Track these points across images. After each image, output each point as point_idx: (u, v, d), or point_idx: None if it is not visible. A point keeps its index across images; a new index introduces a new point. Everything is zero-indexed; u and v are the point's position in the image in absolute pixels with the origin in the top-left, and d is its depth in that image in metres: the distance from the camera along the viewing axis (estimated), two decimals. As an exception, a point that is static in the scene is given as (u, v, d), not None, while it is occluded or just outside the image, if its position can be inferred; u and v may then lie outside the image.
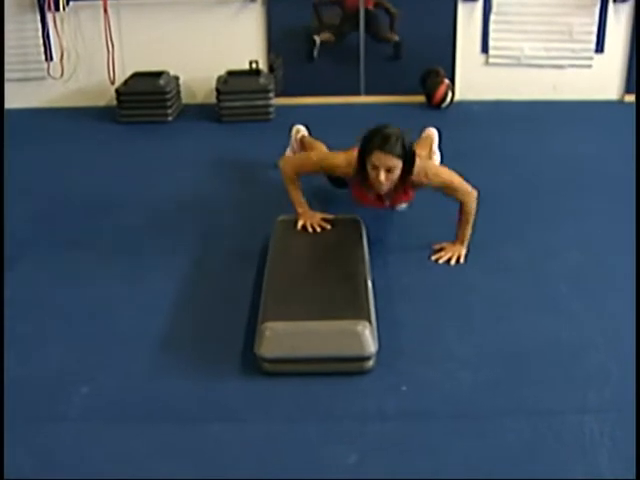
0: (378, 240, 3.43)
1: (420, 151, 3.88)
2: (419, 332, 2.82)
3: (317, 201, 3.69)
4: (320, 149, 4.04)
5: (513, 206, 3.94)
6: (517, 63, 5.88)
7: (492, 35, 5.81)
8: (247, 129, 5.32)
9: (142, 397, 2.50)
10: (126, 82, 5.65)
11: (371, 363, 2.56)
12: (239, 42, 5.83)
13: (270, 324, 2.57)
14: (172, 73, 5.77)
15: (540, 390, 2.46)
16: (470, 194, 3.36)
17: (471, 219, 3.39)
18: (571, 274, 3.22)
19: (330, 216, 3.46)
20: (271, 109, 5.56)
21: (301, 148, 4.26)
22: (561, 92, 5.92)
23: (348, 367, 2.56)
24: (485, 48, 5.86)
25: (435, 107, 5.76)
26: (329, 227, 3.39)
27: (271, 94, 5.56)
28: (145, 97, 5.54)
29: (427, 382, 2.53)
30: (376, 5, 5.90)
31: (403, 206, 3.59)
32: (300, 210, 3.47)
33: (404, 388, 2.49)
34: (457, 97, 5.83)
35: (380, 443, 2.26)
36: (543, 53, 5.84)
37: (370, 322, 2.59)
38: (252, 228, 3.70)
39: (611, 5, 5.64)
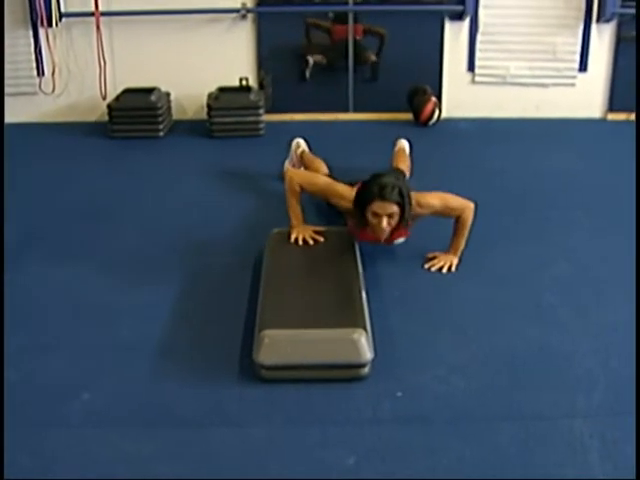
0: (370, 251, 3.49)
1: (401, 165, 4.01)
2: (413, 340, 2.88)
3: (312, 213, 3.76)
4: (320, 168, 4.16)
5: (500, 220, 4.02)
6: (503, 82, 5.98)
7: (478, 54, 5.91)
8: (238, 145, 5.39)
9: (143, 403, 2.54)
10: (118, 98, 5.70)
11: (367, 370, 2.62)
12: (230, 59, 5.90)
13: (268, 332, 2.63)
14: (163, 89, 5.83)
15: (531, 395, 2.54)
16: (467, 208, 3.44)
17: (466, 230, 3.47)
18: (559, 284, 3.31)
19: (322, 229, 3.52)
20: (261, 125, 5.63)
21: (301, 164, 4.37)
22: (545, 110, 6.02)
23: (345, 374, 2.62)
24: (471, 67, 5.96)
25: (422, 124, 5.85)
26: (321, 239, 3.44)
27: (261, 110, 5.63)
28: (136, 113, 5.59)
29: (421, 388, 2.59)
30: (364, 32, 6.01)
31: (401, 240, 3.62)
32: (295, 222, 3.51)
33: (399, 394, 2.55)
34: (444, 115, 5.92)
35: (377, 446, 2.32)
36: (528, 72, 5.94)
37: (366, 330, 2.66)
38: (245, 240, 3.76)
39: (594, 25, 5.76)
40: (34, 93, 5.99)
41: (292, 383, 2.62)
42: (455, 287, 3.29)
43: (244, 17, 5.82)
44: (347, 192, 3.44)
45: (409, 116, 5.93)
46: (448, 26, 5.87)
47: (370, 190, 3.22)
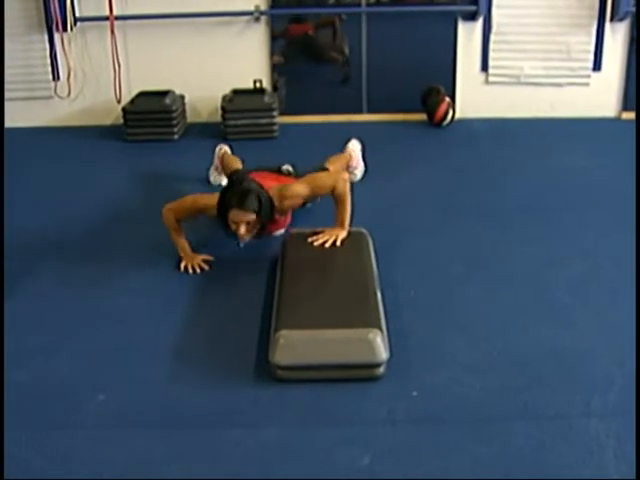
0: (385, 252, 3.49)
1: (328, 165, 4.02)
2: (427, 341, 2.89)
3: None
4: (233, 165, 4.25)
5: (514, 219, 4.03)
6: (516, 82, 5.97)
7: (492, 54, 5.91)
8: (252, 147, 5.37)
9: (157, 404, 2.56)
10: (132, 101, 5.75)
11: (382, 370, 2.63)
12: (243, 61, 5.93)
13: (284, 332, 2.64)
14: (178, 92, 5.87)
15: (546, 395, 2.53)
16: (339, 181, 3.50)
17: (346, 204, 3.50)
18: (573, 284, 3.30)
19: (210, 257, 3.58)
20: (275, 127, 5.65)
21: (221, 163, 4.48)
22: (559, 110, 6.01)
23: (360, 374, 2.63)
24: (485, 67, 5.96)
25: (436, 125, 5.85)
26: (207, 268, 3.51)
27: (275, 112, 5.65)
28: (151, 116, 5.63)
29: (436, 388, 2.60)
30: (317, 27, 6.06)
31: (281, 231, 3.71)
32: (182, 254, 3.58)
33: (415, 394, 2.56)
34: (458, 115, 5.91)
35: (392, 446, 2.32)
36: (542, 72, 5.94)
37: (381, 330, 2.67)
38: (260, 242, 3.76)
39: (608, 24, 5.75)
40: (50, 97, 6.04)
41: (307, 383, 2.63)
42: (469, 287, 3.30)
43: (257, 19, 5.85)
44: (212, 201, 3.45)
45: (423, 116, 5.93)
46: (461, 26, 5.87)
47: (229, 199, 3.31)
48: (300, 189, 3.54)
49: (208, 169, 4.61)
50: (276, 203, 3.43)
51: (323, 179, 3.60)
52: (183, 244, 3.60)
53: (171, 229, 3.60)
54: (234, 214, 3.30)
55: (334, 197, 3.51)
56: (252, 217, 3.31)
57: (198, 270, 3.50)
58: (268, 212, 3.37)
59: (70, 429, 2.45)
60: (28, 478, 2.21)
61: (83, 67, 5.97)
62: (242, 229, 3.32)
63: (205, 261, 3.56)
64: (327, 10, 6.05)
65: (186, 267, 3.52)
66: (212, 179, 4.59)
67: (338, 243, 3.39)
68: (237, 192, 3.31)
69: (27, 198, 4.47)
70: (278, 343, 2.62)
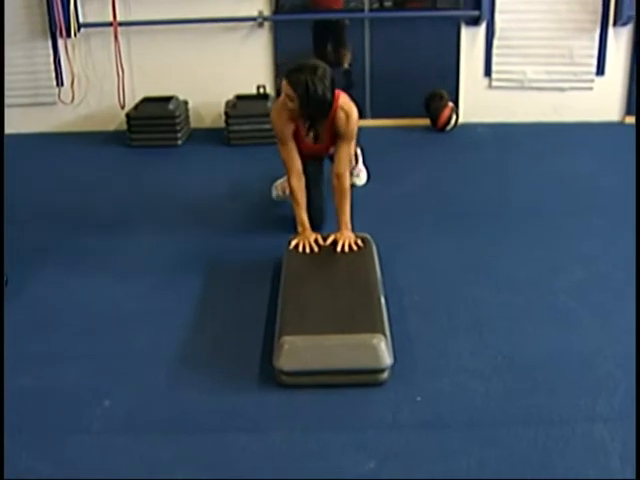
0: (389, 257, 3.50)
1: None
2: (431, 345, 2.88)
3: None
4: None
5: (517, 224, 4.03)
6: (520, 86, 5.98)
7: (495, 59, 5.92)
8: (255, 152, 5.40)
9: (163, 410, 2.56)
10: (136, 107, 5.76)
11: (386, 375, 2.63)
12: (247, 67, 5.94)
13: (288, 338, 2.64)
14: (181, 98, 5.88)
15: (551, 399, 2.53)
16: (349, 159, 3.56)
17: (347, 196, 3.49)
18: (577, 288, 3.30)
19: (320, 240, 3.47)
20: (279, 133, 5.65)
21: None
22: (562, 114, 6.02)
23: (364, 379, 2.63)
24: (488, 72, 5.97)
25: (439, 130, 5.86)
26: (317, 250, 3.39)
27: (279, 118, 5.65)
28: (155, 121, 5.65)
29: (440, 393, 2.59)
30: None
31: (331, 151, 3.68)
32: (300, 228, 3.51)
33: (419, 399, 2.56)
34: (461, 120, 5.92)
35: (397, 450, 2.32)
36: (545, 76, 5.94)
37: (385, 335, 2.66)
38: (264, 247, 3.77)
39: (611, 29, 5.75)
40: (53, 103, 6.06)
41: (312, 389, 2.62)
42: (473, 292, 3.29)
43: (261, 25, 5.86)
44: (274, 115, 3.55)
45: (426, 122, 5.93)
46: (464, 31, 5.89)
47: (289, 67, 3.31)
48: (352, 125, 3.52)
49: (274, 182, 4.36)
50: (340, 109, 3.44)
51: (351, 149, 3.63)
52: (304, 218, 3.53)
53: (294, 196, 3.54)
54: (283, 83, 3.30)
55: (336, 189, 3.50)
56: (292, 94, 3.26)
57: (308, 249, 3.38)
58: (315, 105, 3.30)
59: (76, 434, 2.44)
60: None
61: (87, 73, 5.98)
62: (289, 104, 3.32)
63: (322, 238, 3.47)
64: (331, 15, 6.07)
65: (298, 245, 3.41)
66: (274, 194, 4.33)
67: (354, 246, 3.36)
68: (295, 65, 3.29)
69: (30, 203, 4.47)
70: (282, 349, 2.61)
